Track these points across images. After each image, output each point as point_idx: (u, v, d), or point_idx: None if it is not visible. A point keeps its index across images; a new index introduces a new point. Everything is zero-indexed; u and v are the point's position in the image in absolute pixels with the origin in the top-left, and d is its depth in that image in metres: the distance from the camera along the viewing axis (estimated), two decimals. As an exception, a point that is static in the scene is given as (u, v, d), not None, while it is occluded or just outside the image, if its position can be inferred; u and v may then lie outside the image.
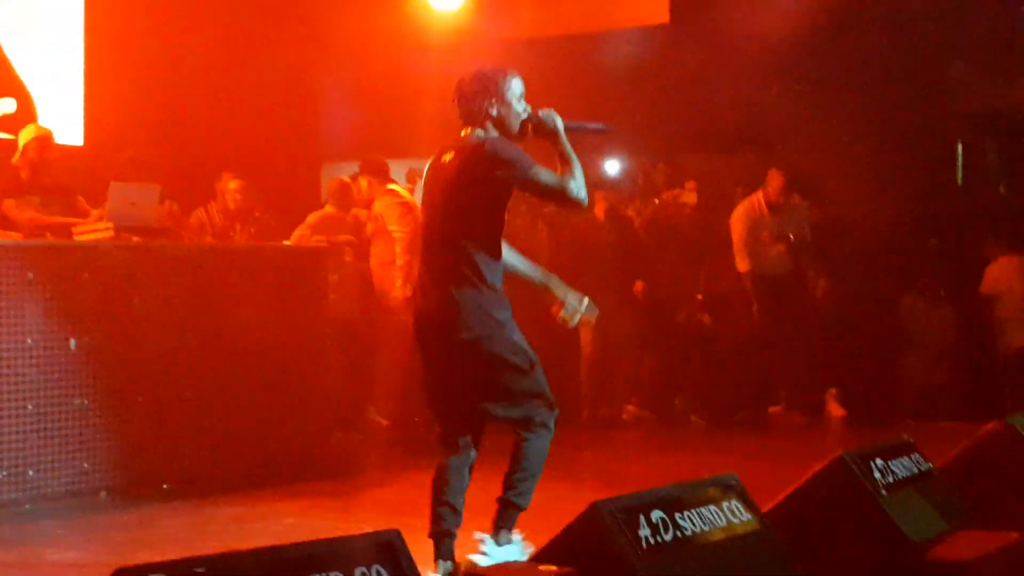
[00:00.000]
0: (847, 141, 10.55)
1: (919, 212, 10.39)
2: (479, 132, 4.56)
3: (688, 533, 3.37)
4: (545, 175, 4.49)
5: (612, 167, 11.52)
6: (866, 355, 9.99)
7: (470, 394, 4.56)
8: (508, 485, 4.64)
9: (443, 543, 4.52)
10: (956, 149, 12.29)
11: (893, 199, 10.03)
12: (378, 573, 2.70)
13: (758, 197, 9.68)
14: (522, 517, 4.72)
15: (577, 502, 3.53)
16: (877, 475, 4.19)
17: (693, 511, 3.46)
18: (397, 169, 8.96)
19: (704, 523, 3.46)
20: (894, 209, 9.95)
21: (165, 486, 6.62)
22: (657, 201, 10.36)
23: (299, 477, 6.95)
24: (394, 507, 6.17)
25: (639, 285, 9.81)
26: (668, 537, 3.29)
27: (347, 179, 9.14)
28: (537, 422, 4.61)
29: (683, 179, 10.53)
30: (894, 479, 4.27)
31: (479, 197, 4.47)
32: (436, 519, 4.53)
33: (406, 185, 9.41)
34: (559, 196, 4.58)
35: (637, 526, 3.22)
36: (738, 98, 10.48)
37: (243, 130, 10.06)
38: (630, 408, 9.87)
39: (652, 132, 11.09)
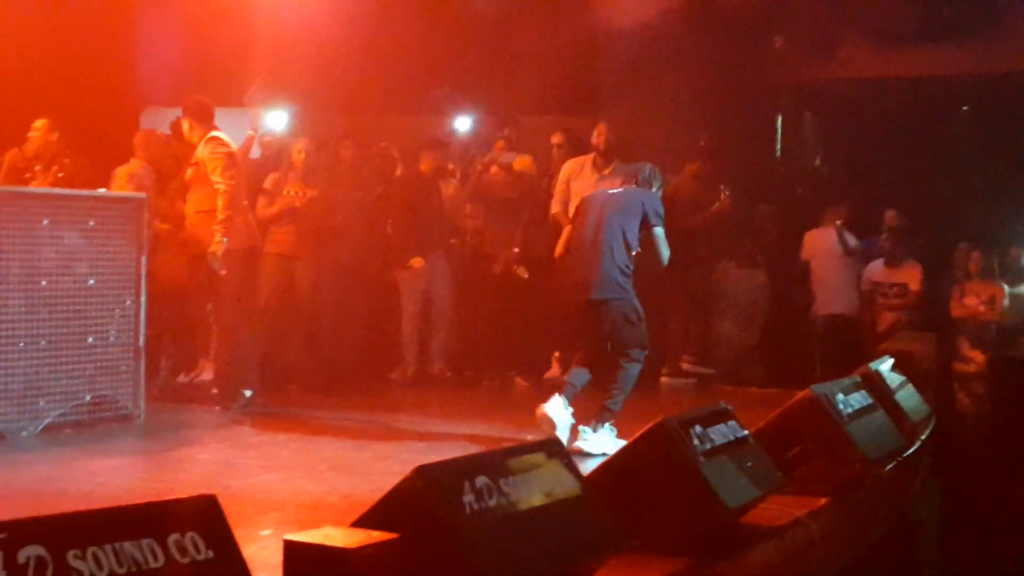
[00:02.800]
0: (671, 109, 10.69)
1: (739, 181, 10.62)
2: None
3: (512, 499, 3.35)
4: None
5: (462, 124, 11.44)
6: (679, 319, 10.17)
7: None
8: (607, 396, 6.64)
9: (567, 391, 6.66)
10: (776, 121, 12.66)
11: (714, 168, 10.21)
12: (193, 540, 2.60)
13: (590, 156, 9.69)
14: (344, 481, 5.13)
15: (400, 463, 3.49)
16: (696, 442, 4.26)
17: (517, 476, 3.44)
18: (228, 119, 8.59)
19: (528, 488, 3.45)
20: (715, 177, 10.12)
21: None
22: (481, 166, 10.33)
23: (109, 434, 6.71)
24: (212, 469, 6.02)
25: (456, 243, 9.81)
26: (492, 503, 3.26)
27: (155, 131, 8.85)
28: (633, 357, 6.70)
29: (526, 141, 10.55)
30: (711, 446, 4.35)
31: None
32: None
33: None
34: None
35: (461, 492, 3.18)
36: (571, 63, 10.51)
37: (56, 71, 9.60)
38: (437, 367, 9.87)
39: (497, 93, 11.04)
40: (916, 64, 11.76)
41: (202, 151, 7.80)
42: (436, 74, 10.96)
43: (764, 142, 12.37)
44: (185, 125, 8.01)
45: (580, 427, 6.57)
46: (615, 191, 7.14)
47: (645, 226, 6.83)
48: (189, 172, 7.98)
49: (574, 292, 6.97)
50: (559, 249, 7.44)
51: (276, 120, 9.73)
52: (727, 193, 9.92)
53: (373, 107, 11.32)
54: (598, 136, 9.41)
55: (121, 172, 8.60)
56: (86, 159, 8.73)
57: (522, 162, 10.32)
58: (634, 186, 7.03)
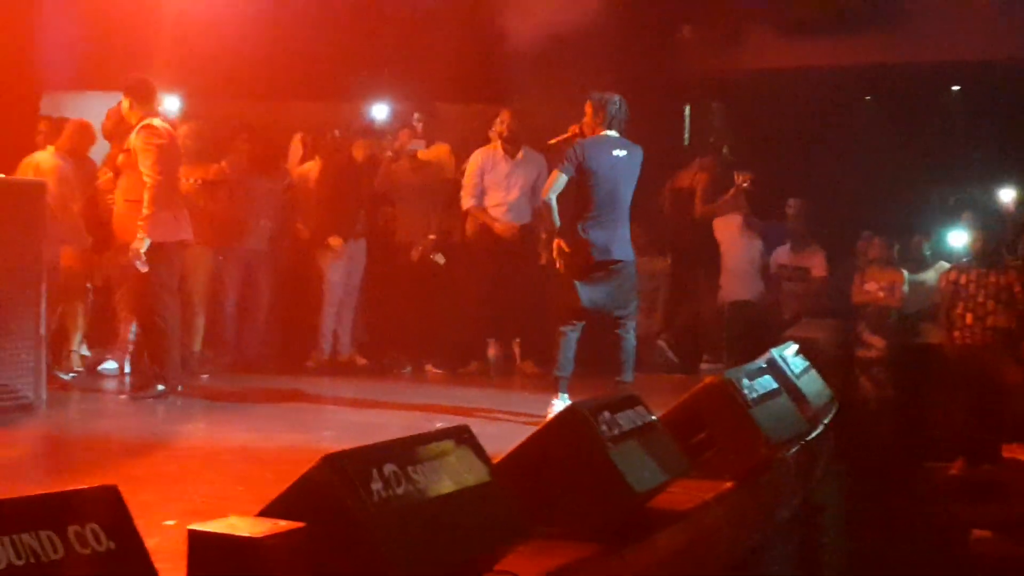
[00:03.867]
0: (580, 98, 10.71)
1: (647, 169, 10.68)
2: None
3: (420, 486, 3.34)
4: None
5: (379, 111, 11.37)
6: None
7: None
8: (619, 373, 7.18)
9: (562, 384, 6.98)
10: (684, 110, 12.78)
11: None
12: (93, 532, 2.55)
13: (497, 146, 9.71)
14: (251, 470, 5.14)
15: (309, 452, 3.47)
16: (604, 427, 4.29)
17: (426, 464, 3.44)
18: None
19: (436, 476, 3.45)
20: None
21: None
22: (391, 153, 10.29)
23: (9, 424, 6.57)
24: (115, 459, 5.92)
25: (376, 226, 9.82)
26: (400, 490, 3.25)
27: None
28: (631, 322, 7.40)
29: (439, 128, 10.52)
30: (620, 431, 4.38)
31: None
32: (565, 365, 7.09)
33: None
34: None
35: (369, 479, 3.17)
36: (478, 49, 10.48)
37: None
38: (351, 355, 9.82)
39: (412, 79, 10.96)
40: (821, 54, 11.94)
41: (135, 139, 7.57)
42: (348, 61, 10.86)
43: (672, 131, 12.46)
44: (125, 104, 7.72)
45: None
46: (621, 154, 7.25)
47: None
48: (121, 158, 7.76)
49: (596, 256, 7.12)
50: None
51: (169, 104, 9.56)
52: (746, 177, 10.16)
53: (282, 93, 11.19)
54: (501, 124, 9.47)
55: (42, 162, 8.37)
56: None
57: (438, 150, 10.32)
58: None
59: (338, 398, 8.31)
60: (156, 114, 7.76)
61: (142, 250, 7.39)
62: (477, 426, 3.90)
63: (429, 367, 9.74)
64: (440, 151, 10.33)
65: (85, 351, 8.89)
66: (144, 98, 7.67)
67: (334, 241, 9.54)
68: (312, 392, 8.63)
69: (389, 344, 10.10)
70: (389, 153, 10.30)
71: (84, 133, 8.70)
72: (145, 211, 7.40)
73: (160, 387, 7.62)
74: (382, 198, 10.19)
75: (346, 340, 9.85)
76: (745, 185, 10.51)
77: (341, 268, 9.67)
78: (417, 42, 10.61)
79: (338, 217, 9.61)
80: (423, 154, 10.26)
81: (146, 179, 7.44)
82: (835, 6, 11.16)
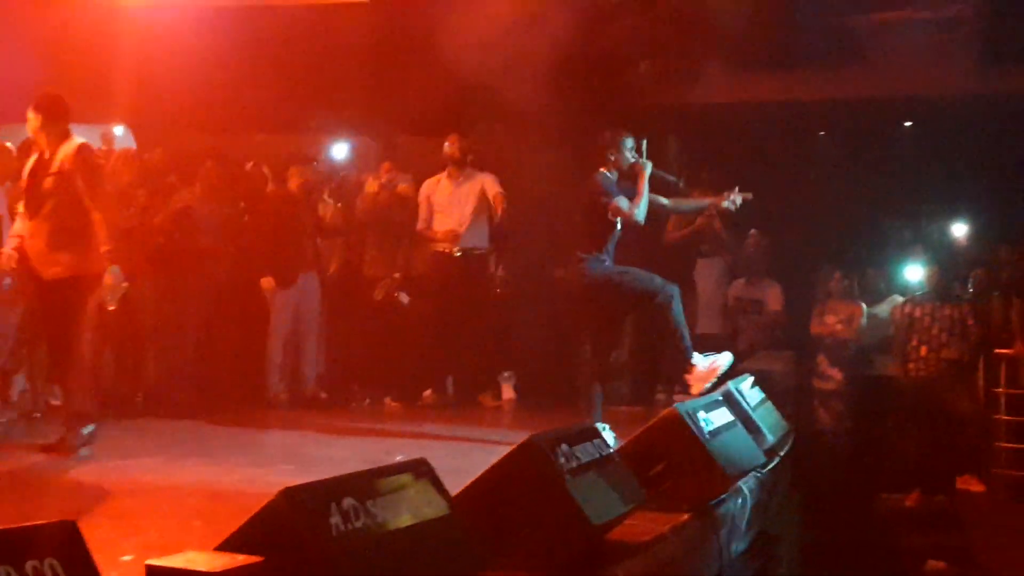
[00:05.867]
0: (540, 130, 10.79)
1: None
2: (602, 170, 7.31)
3: (379, 519, 3.35)
4: (622, 202, 7.20)
5: (339, 150, 11.39)
6: (544, 337, 10.26)
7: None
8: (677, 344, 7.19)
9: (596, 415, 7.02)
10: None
11: (577, 189, 10.35)
12: (52, 567, 2.54)
13: (443, 172, 9.74)
14: (209, 505, 5.08)
15: (267, 485, 3.47)
16: (563, 460, 4.31)
17: (385, 497, 3.45)
18: (86, 136, 8.28)
19: (395, 509, 3.46)
20: (588, 198, 10.23)
21: None
22: (376, 187, 10.32)
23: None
24: (72, 493, 5.88)
25: (333, 265, 9.80)
26: (359, 524, 3.26)
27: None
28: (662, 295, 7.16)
29: (401, 162, 10.56)
30: (578, 463, 4.40)
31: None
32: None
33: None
34: (628, 217, 7.20)
35: (328, 513, 3.18)
36: (439, 82, 10.53)
37: None
38: (310, 389, 9.79)
39: (372, 113, 11.00)
40: (776, 89, 12.11)
41: (72, 161, 6.86)
42: (310, 94, 10.89)
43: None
44: (36, 122, 6.96)
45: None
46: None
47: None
48: (49, 180, 6.93)
49: None
50: None
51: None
52: (719, 210, 10.22)
53: (243, 126, 11.21)
54: (451, 146, 9.57)
55: None
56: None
57: (405, 185, 10.36)
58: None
59: (298, 432, 8.28)
60: (71, 134, 7.08)
61: (112, 284, 6.89)
62: (436, 459, 3.91)
63: (388, 400, 9.73)
64: (406, 187, 10.37)
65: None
66: (60, 116, 7.00)
67: (266, 283, 9.50)
68: (272, 426, 8.61)
69: (350, 377, 10.09)
70: (373, 192, 10.30)
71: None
72: (104, 247, 6.82)
73: (91, 427, 7.00)
74: (333, 230, 10.16)
75: (310, 374, 9.79)
76: (715, 213, 10.58)
77: (289, 302, 9.60)
78: (378, 75, 10.67)
79: (282, 251, 9.55)
80: (402, 188, 10.29)
81: (96, 213, 6.83)
82: (788, 43, 11.32)
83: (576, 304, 7.74)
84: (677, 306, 7.08)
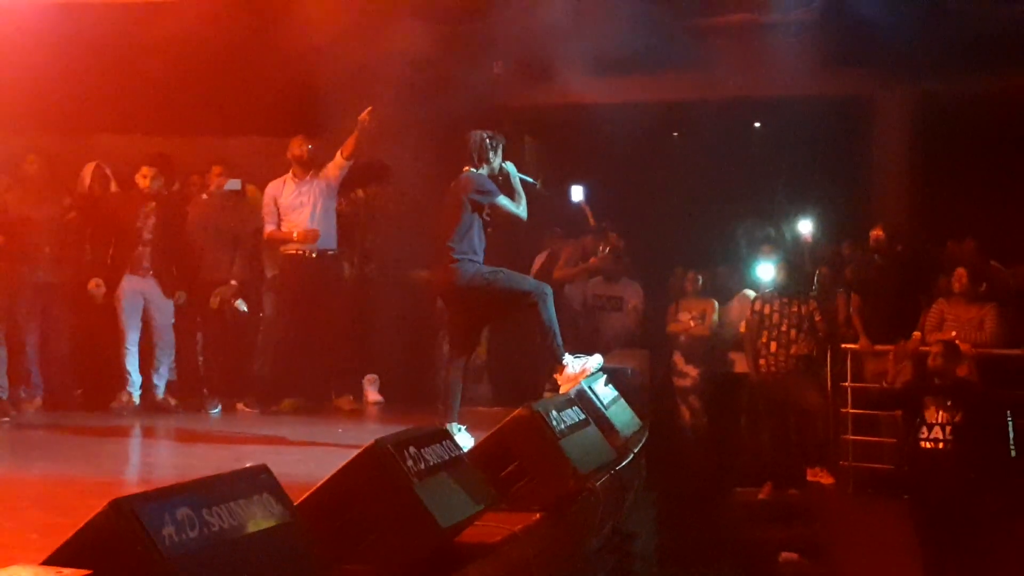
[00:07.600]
0: (395, 132, 10.74)
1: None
2: (472, 169, 7.23)
3: (216, 529, 3.24)
4: (506, 200, 7.19)
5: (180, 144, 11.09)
6: (405, 340, 10.22)
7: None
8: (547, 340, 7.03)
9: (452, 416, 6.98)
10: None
11: (435, 189, 10.31)
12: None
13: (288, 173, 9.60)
14: (44, 520, 4.91)
15: (108, 496, 3.34)
16: (410, 462, 4.25)
17: (223, 505, 3.35)
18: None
19: (233, 518, 3.36)
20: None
21: None
22: (206, 193, 10.09)
23: None
24: None
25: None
26: (194, 534, 3.15)
27: None
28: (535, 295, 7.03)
29: (243, 164, 10.35)
30: (426, 465, 4.35)
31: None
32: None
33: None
34: (516, 215, 7.24)
35: (161, 524, 3.06)
36: (291, 85, 10.39)
37: None
38: (161, 395, 9.57)
39: (200, 111, 10.75)
40: (629, 91, 12.24)
41: None
42: (151, 93, 10.61)
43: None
44: None
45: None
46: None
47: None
48: None
49: None
50: None
51: None
52: (612, 244, 10.30)
53: (83, 126, 10.87)
54: (300, 147, 9.45)
55: None
56: None
57: (250, 191, 10.15)
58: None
59: (147, 440, 8.07)
60: None
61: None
62: (289, 464, 3.83)
63: (240, 405, 9.54)
64: (250, 191, 10.16)
65: None
66: None
67: (92, 285, 9.30)
68: (119, 434, 8.36)
69: (200, 383, 9.87)
70: (204, 196, 10.06)
71: None
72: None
73: None
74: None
75: (160, 382, 9.56)
76: (607, 251, 10.75)
77: (130, 305, 9.39)
78: (224, 76, 10.45)
79: (118, 252, 9.39)
80: (237, 194, 10.07)
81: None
82: (642, 45, 11.46)
83: (447, 305, 7.64)
84: (549, 306, 7.00)
